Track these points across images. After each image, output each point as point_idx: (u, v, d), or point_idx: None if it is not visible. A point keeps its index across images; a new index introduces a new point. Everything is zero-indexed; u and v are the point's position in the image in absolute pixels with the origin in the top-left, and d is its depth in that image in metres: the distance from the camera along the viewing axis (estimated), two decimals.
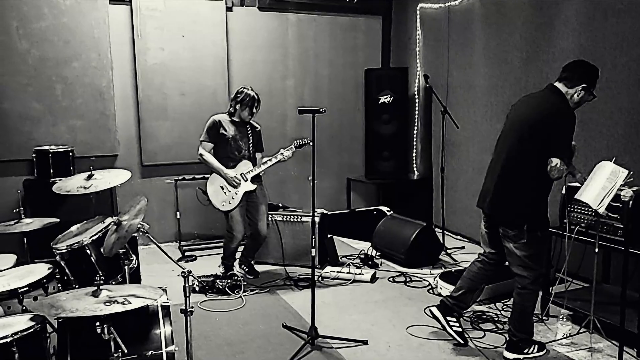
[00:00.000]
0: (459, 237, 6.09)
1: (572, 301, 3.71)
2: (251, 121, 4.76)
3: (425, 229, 5.19)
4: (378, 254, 5.42)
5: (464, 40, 5.89)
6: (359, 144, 6.96)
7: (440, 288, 4.40)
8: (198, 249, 5.82)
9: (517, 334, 3.32)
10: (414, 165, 6.93)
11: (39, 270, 2.99)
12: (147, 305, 2.55)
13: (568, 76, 3.15)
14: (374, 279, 4.83)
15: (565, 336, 3.55)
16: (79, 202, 4.57)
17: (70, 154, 5.18)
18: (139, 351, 2.53)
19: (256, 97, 4.63)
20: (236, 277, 4.65)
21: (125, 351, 2.28)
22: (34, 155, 5.13)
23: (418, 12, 6.59)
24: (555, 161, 3.01)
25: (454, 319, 3.57)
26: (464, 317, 3.83)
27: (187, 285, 2.46)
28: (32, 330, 2.22)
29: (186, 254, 5.64)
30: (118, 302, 2.25)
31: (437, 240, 5.38)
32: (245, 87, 4.66)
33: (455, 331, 3.52)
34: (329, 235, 5.33)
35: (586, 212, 3.53)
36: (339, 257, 5.35)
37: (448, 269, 4.91)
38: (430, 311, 3.69)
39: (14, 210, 3.40)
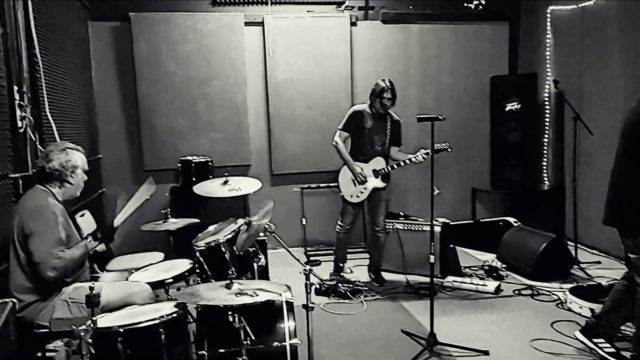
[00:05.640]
0: (594, 251, 5.69)
1: None
2: (391, 112, 4.81)
3: (555, 241, 4.95)
4: (503, 265, 5.26)
5: (599, 42, 5.54)
6: (484, 152, 6.80)
7: (570, 303, 4.18)
8: (322, 254, 6.04)
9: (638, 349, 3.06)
10: (544, 175, 6.60)
11: (182, 265, 3.36)
12: (274, 300, 2.78)
13: None
14: (498, 290, 4.69)
15: None
16: (217, 206, 5.02)
17: (210, 163, 5.71)
18: (265, 342, 2.75)
19: (386, 86, 4.62)
20: (357, 282, 4.78)
21: (253, 338, 2.49)
22: (179, 165, 5.71)
23: (548, 15, 6.32)
24: None
25: (603, 341, 3.33)
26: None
27: (308, 282, 2.63)
28: (176, 315, 2.52)
29: (311, 258, 5.90)
30: (247, 294, 2.48)
31: (569, 253, 5.08)
32: (382, 79, 4.71)
33: (608, 352, 3.27)
34: (451, 245, 5.27)
35: None
36: (462, 268, 5.27)
37: (580, 284, 4.63)
38: (575, 336, 3.47)
39: (162, 211, 3.85)
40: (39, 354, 2.77)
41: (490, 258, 5.42)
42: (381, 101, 4.65)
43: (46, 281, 2.76)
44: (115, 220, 3.09)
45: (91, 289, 2.07)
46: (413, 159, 4.62)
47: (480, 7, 6.38)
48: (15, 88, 3.47)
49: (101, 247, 3.15)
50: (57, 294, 2.86)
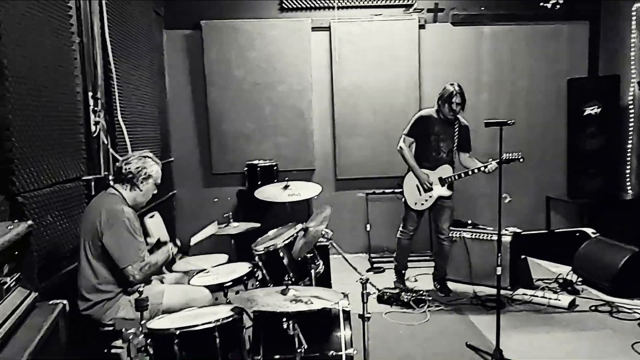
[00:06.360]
0: None
1: None
2: (460, 118, 4.65)
3: (637, 254, 4.59)
4: (579, 279, 4.95)
5: None
6: (560, 159, 6.44)
7: None
8: (386, 261, 5.93)
9: None
10: (627, 183, 6.16)
11: (241, 268, 3.39)
12: (330, 308, 2.74)
13: None
14: (572, 306, 4.42)
15: None
16: (281, 210, 5.05)
17: (275, 167, 5.76)
18: (320, 350, 2.71)
19: (455, 90, 4.45)
20: (421, 292, 4.64)
21: (305, 346, 2.46)
22: (245, 169, 5.81)
23: (633, 14, 5.90)
24: None
25: None
26: None
27: (364, 291, 2.57)
28: (231, 319, 2.53)
29: (374, 265, 5.81)
30: (302, 302, 2.46)
31: None
32: (451, 83, 4.55)
33: None
34: (523, 256, 5.03)
35: None
36: (534, 280, 5.01)
37: None
38: None
39: (224, 215, 3.92)
40: (105, 351, 2.88)
41: (564, 271, 5.12)
42: (450, 106, 4.49)
43: (125, 284, 2.88)
44: (192, 238, 3.19)
45: (140, 292, 2.11)
46: (482, 169, 4.43)
47: (558, 6, 6.08)
48: (90, 94, 3.65)
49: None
50: (123, 294, 2.96)
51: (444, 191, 4.63)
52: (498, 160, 4.17)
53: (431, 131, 4.59)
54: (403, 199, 4.78)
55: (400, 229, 4.87)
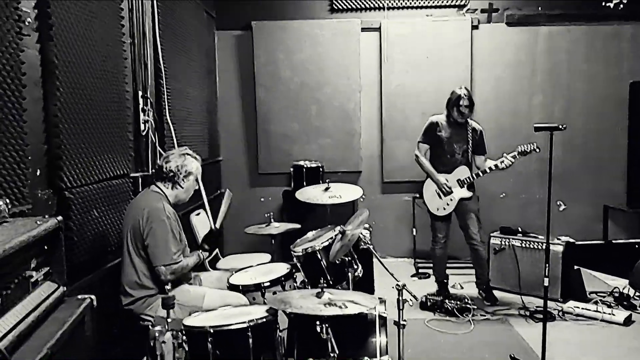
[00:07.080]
0: None
1: None
2: (471, 122, 4.66)
3: None
4: (637, 294, 4.68)
5: None
6: (619, 167, 6.11)
7: None
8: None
9: None
10: None
11: (279, 269, 3.39)
12: (365, 313, 2.69)
13: None
14: (628, 322, 4.19)
15: None
16: (325, 211, 5.04)
17: (321, 169, 5.75)
18: (355, 356, 2.67)
19: (462, 94, 4.49)
20: (466, 300, 4.52)
21: (337, 352, 2.42)
22: (291, 169, 5.83)
23: None
24: None
25: None
26: None
27: (400, 298, 2.51)
28: (264, 320, 2.52)
29: (420, 270, 5.70)
30: (336, 306, 2.42)
31: None
32: (460, 87, 4.60)
33: None
34: (576, 267, 4.81)
35: None
36: (587, 293, 4.78)
37: None
38: None
39: (265, 215, 3.94)
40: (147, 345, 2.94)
41: (621, 284, 4.86)
42: (458, 109, 4.53)
43: (162, 281, 2.91)
44: (215, 225, 3.22)
45: (167, 291, 2.13)
46: (499, 165, 4.47)
47: (621, 5, 5.78)
48: (140, 93, 3.75)
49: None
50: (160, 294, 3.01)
51: (464, 192, 4.60)
52: (513, 154, 4.37)
53: (442, 135, 4.61)
54: (426, 208, 4.74)
55: (432, 240, 4.81)
